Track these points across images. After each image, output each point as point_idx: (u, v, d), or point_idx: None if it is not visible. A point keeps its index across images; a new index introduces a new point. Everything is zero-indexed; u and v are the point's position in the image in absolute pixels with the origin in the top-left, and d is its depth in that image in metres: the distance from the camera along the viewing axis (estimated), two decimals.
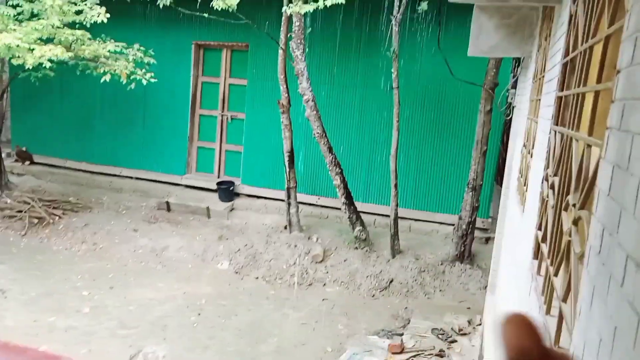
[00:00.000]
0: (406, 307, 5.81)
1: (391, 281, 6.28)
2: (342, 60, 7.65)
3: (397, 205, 6.59)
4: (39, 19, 6.49)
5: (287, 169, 7.05)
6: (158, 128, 8.90)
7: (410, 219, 7.43)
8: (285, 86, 6.80)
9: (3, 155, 8.54)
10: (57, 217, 7.61)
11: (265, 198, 8.21)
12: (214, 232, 7.36)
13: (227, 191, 8.26)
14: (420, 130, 7.40)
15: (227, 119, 8.76)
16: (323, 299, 5.95)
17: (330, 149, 6.67)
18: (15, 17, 6.68)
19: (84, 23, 6.67)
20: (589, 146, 1.56)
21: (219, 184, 8.39)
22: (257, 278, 6.41)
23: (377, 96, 7.50)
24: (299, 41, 6.42)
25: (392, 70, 6.35)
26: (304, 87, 6.52)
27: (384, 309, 5.80)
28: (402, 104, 6.48)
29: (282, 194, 7.44)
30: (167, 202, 8.15)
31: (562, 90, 2.33)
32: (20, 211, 7.57)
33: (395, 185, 6.53)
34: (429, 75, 7.23)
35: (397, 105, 6.40)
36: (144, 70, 7.02)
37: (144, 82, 6.94)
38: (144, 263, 6.65)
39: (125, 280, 6.11)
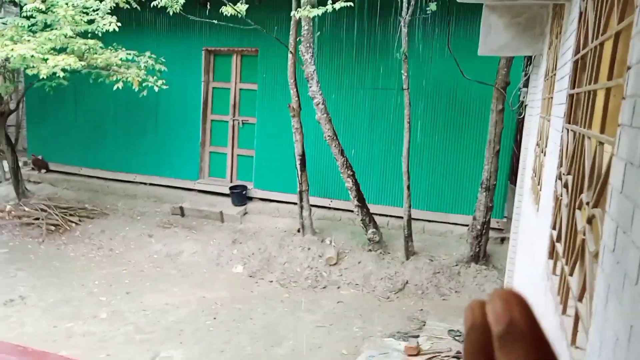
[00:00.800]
0: (421, 309, 5.78)
1: (406, 283, 6.26)
2: (352, 62, 7.66)
3: (410, 207, 6.57)
4: (52, 29, 6.60)
5: (299, 172, 7.07)
6: (170, 134, 8.98)
7: (423, 220, 7.39)
8: (295, 90, 6.83)
9: (20, 163, 8.68)
10: (74, 224, 7.72)
11: (278, 202, 8.23)
12: (228, 236, 7.40)
13: (239, 195, 8.30)
14: (432, 130, 7.36)
15: (238, 123, 8.81)
16: (338, 302, 5.95)
17: (341, 152, 6.68)
18: (29, 27, 6.81)
19: (96, 32, 6.78)
20: (601, 144, 1.55)
21: (231, 188, 8.44)
22: (272, 282, 6.43)
23: (387, 98, 7.48)
24: (308, 45, 6.44)
25: (402, 71, 6.34)
26: (314, 90, 6.54)
27: (399, 311, 5.78)
28: (413, 105, 6.46)
29: (294, 198, 7.46)
30: (181, 207, 8.22)
31: (573, 87, 2.31)
32: (38, 218, 7.69)
33: (408, 187, 6.51)
34: (440, 76, 7.20)
35: (407, 106, 6.39)
36: (155, 77, 7.10)
37: (156, 88, 7.02)
38: (159, 268, 6.71)
39: (141, 286, 6.16)
